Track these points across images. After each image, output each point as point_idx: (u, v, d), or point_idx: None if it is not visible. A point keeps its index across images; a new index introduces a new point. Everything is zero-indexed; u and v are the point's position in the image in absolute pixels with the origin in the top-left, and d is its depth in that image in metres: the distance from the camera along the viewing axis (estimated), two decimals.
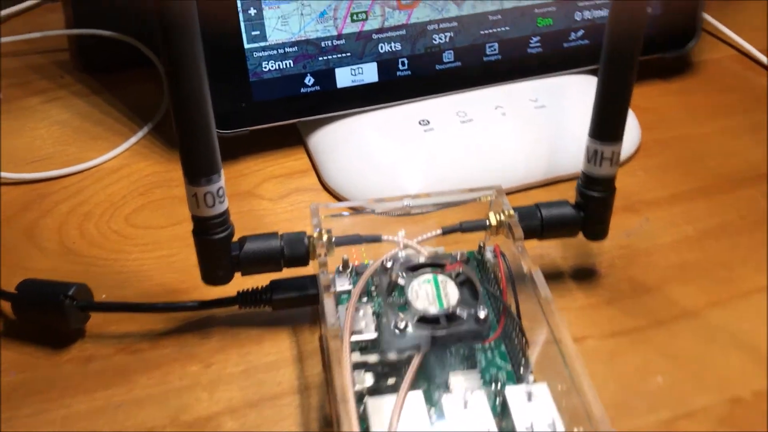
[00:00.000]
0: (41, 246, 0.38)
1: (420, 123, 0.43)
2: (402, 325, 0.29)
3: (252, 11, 0.39)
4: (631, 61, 0.31)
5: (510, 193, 0.42)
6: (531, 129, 0.44)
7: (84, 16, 0.52)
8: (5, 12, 0.53)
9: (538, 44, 0.46)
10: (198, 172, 0.29)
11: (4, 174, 0.41)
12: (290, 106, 0.42)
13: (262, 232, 0.33)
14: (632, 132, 0.46)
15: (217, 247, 0.31)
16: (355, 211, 0.34)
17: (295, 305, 0.34)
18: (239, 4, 0.39)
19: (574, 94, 0.46)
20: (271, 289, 0.34)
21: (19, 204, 0.40)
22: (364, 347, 0.30)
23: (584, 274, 0.37)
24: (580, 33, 0.46)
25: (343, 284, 0.33)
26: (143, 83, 0.49)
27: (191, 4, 0.26)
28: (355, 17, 0.41)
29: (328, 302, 0.30)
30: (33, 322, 0.33)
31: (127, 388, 0.32)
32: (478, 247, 0.35)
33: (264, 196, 0.42)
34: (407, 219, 0.36)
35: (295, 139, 0.45)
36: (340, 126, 0.43)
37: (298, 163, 0.44)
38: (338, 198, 0.41)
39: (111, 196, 0.41)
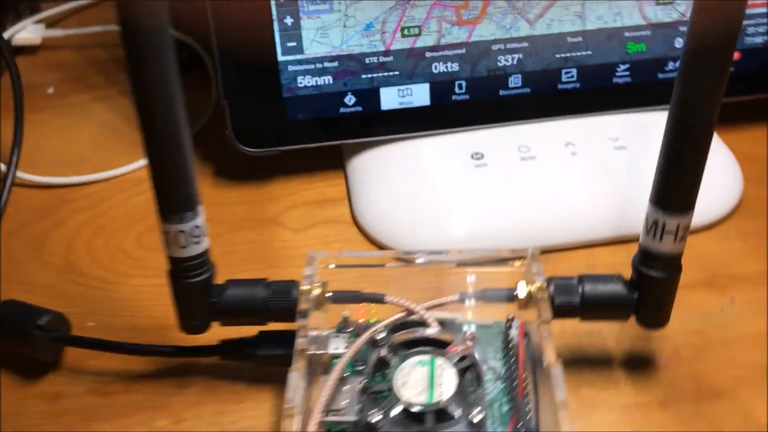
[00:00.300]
0: (45, 260, 0.36)
1: (473, 156, 0.37)
2: (375, 419, 0.24)
3: (288, 20, 0.35)
4: (712, 103, 0.24)
5: (569, 249, 0.36)
6: (605, 174, 0.37)
7: None
8: (73, 4, 0.52)
9: (626, 73, 0.39)
10: (168, 208, 0.26)
11: (24, 176, 0.39)
12: (327, 126, 0.38)
13: (250, 278, 0.29)
14: (732, 185, 0.38)
15: (190, 292, 0.27)
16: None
17: (283, 364, 0.29)
18: (274, 12, 0.35)
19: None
20: (256, 342, 0.30)
21: (35, 210, 0.38)
22: (342, 430, 0.26)
23: (639, 364, 0.31)
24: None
25: (338, 346, 0.28)
26: (195, 88, 0.46)
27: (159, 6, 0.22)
28: (406, 32, 0.36)
29: (294, 374, 0.25)
30: (6, 347, 0.31)
31: None
32: (506, 320, 0.29)
33: (287, 225, 0.37)
34: (429, 275, 0.30)
35: (336, 161, 0.40)
36: (381, 152, 0.38)
37: (334, 189, 0.39)
38: (366, 235, 0.37)
39: (130, 211, 0.38)
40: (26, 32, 0.49)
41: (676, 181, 0.25)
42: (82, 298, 0.34)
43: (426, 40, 0.37)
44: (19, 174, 0.39)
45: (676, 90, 0.24)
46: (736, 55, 0.39)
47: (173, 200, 0.26)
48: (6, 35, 0.48)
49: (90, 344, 0.30)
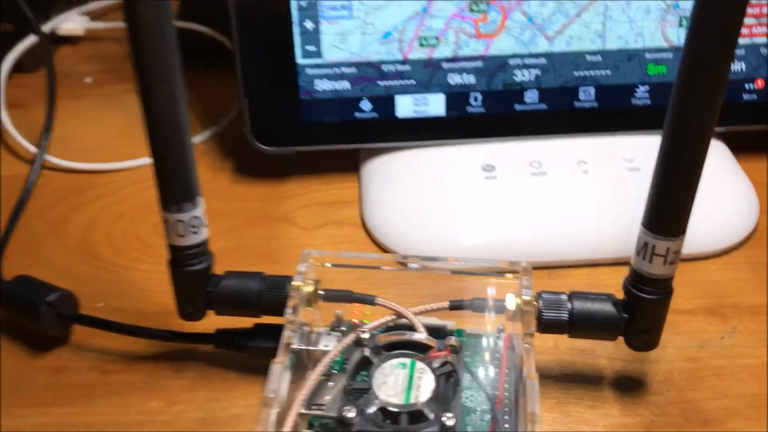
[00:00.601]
0: (63, 241, 0.37)
1: (484, 168, 0.38)
2: (349, 415, 0.25)
3: (308, 24, 0.36)
4: (702, 128, 0.24)
5: (574, 267, 0.36)
6: (616, 194, 0.37)
7: (191, 10, 0.51)
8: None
9: (646, 95, 0.38)
10: (168, 197, 0.27)
11: (51, 159, 0.41)
12: (342, 130, 0.39)
13: (247, 271, 0.30)
14: (748, 214, 0.37)
15: (188, 281, 0.29)
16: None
17: (275, 356, 0.30)
18: (295, 15, 0.36)
19: None
20: (250, 333, 0.31)
21: (58, 193, 0.40)
22: (324, 424, 0.26)
23: (629, 385, 0.30)
24: None
25: (328, 344, 0.29)
26: (224, 85, 0.47)
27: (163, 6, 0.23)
28: (424, 42, 0.37)
29: (276, 366, 0.26)
30: (15, 319, 0.32)
31: (86, 410, 0.30)
32: (497, 331, 0.30)
33: (298, 223, 0.38)
34: (426, 280, 0.31)
35: (352, 164, 0.41)
36: (393, 158, 0.39)
37: (347, 191, 0.40)
38: (373, 238, 0.37)
39: (149, 200, 0.39)
40: (71, 23, 0.51)
41: (667, 206, 0.25)
42: (95, 280, 0.35)
43: (443, 51, 0.37)
44: (48, 157, 0.41)
45: (668, 116, 0.24)
46: (760, 83, 0.39)
47: (173, 190, 0.27)
48: (51, 24, 0.50)
49: (94, 323, 0.31)
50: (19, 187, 0.40)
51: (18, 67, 0.48)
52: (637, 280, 0.27)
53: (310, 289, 0.29)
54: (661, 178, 0.25)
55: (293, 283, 0.28)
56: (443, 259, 0.30)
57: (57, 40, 0.51)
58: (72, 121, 0.45)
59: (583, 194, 0.37)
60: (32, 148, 0.42)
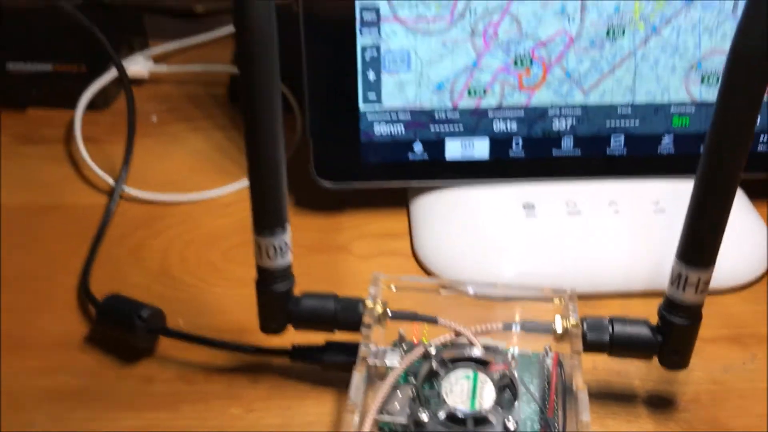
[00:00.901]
0: (142, 264, 0.41)
1: (524, 207, 0.42)
2: (423, 418, 0.28)
3: (371, 75, 0.40)
4: (732, 172, 0.28)
5: (606, 297, 0.39)
6: (643, 233, 0.41)
7: None
8: (179, 44, 0.58)
9: (670, 144, 0.43)
10: (263, 223, 0.31)
11: (128, 190, 0.45)
12: (396, 170, 0.43)
13: (323, 292, 0.33)
14: (763, 251, 0.41)
15: (273, 299, 0.32)
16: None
17: (345, 370, 0.34)
18: (359, 67, 0.40)
19: None
20: (324, 349, 0.34)
21: (135, 222, 0.44)
22: (393, 429, 0.30)
23: (660, 402, 0.34)
24: None
25: (393, 360, 0.33)
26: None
27: (272, 43, 0.27)
28: (472, 92, 0.41)
29: (357, 375, 0.29)
30: (110, 333, 0.36)
31: (173, 415, 0.33)
32: (544, 350, 0.33)
33: (354, 253, 0.42)
34: (477, 305, 0.35)
35: (401, 199, 0.45)
36: (442, 195, 0.43)
37: (397, 225, 0.44)
38: (423, 268, 0.41)
39: (217, 229, 0.44)
40: (137, 65, 0.55)
41: (699, 240, 0.29)
42: (172, 299, 0.39)
43: (489, 101, 0.41)
44: (126, 189, 0.45)
45: (702, 164, 0.28)
46: None
47: (267, 216, 0.30)
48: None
49: (182, 337, 0.35)
50: (97, 217, 0.44)
51: (90, 105, 0.52)
52: (670, 307, 0.31)
53: (380, 309, 0.32)
54: (694, 216, 0.29)
55: (368, 303, 0.32)
56: (495, 285, 0.34)
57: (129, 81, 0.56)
58: (142, 156, 0.49)
59: (615, 233, 0.41)
60: (110, 180, 0.46)
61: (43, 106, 0.53)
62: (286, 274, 0.32)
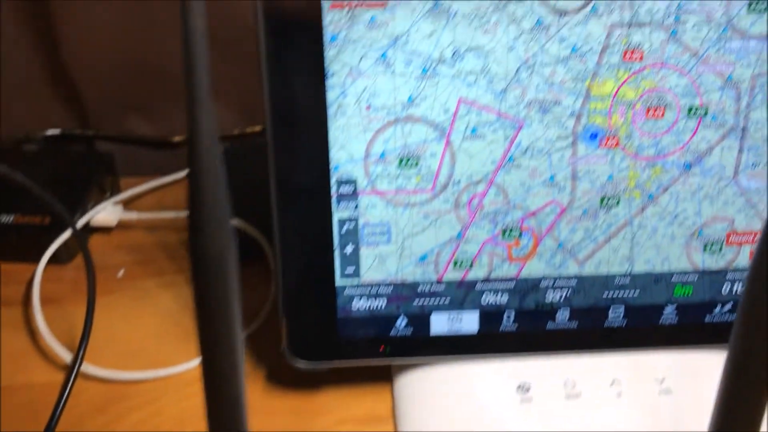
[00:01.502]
0: None
1: (518, 389, 0.38)
2: None
3: (349, 249, 0.38)
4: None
5: None
6: (650, 420, 0.37)
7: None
8: (151, 184, 0.56)
9: (673, 314, 0.40)
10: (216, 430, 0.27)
11: (90, 368, 0.41)
12: (377, 345, 0.39)
13: None
14: None
15: None
16: None
17: None
18: (336, 241, 0.37)
19: (713, 379, 0.38)
20: None
21: (97, 402, 0.40)
22: None
23: None
24: (728, 307, 0.40)
25: None
26: (257, 284, 0.48)
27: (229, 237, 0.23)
28: (458, 264, 0.38)
29: None
30: None
31: None
32: None
33: None
34: None
35: (384, 375, 0.41)
36: (428, 373, 0.40)
37: (382, 406, 0.40)
38: None
39: (183, 412, 0.40)
40: (105, 213, 0.52)
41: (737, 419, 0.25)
42: None
43: (477, 273, 0.38)
44: (84, 366, 0.41)
45: (735, 330, 0.24)
46: None
47: (221, 424, 0.27)
48: (87, 217, 0.51)
49: None
50: (52, 398, 0.40)
51: (53, 259, 0.49)
52: None
53: None
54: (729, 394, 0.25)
55: None
56: None
57: (90, 230, 0.53)
58: (105, 320, 0.45)
59: (618, 419, 0.37)
60: (67, 356, 0.42)
61: (3, 260, 0.50)
62: None
